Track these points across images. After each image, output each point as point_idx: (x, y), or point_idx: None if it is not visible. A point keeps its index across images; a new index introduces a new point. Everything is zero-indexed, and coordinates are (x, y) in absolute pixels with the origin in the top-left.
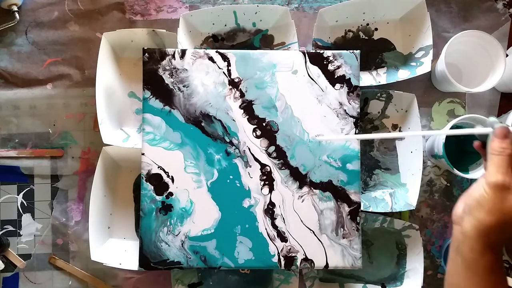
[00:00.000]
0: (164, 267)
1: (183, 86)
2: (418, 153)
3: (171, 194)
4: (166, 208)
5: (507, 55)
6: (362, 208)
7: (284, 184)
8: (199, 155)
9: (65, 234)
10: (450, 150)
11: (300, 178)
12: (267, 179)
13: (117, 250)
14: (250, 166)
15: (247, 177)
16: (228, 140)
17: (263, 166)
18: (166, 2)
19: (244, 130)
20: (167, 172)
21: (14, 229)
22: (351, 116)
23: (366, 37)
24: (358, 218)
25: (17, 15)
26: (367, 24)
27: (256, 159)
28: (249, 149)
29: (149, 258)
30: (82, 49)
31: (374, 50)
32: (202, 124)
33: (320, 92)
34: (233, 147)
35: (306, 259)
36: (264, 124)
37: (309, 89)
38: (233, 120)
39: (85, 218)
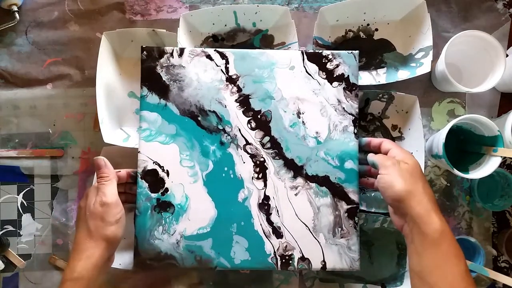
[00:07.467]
0: (159, 262)
1: (179, 81)
2: (419, 154)
3: (166, 190)
4: (161, 206)
5: (507, 55)
6: (365, 208)
7: (277, 175)
8: (193, 146)
9: (65, 234)
10: (450, 150)
11: (295, 168)
12: (260, 165)
13: (117, 250)
14: (242, 149)
15: (241, 164)
16: (221, 128)
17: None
18: (166, 2)
19: (237, 117)
20: (162, 166)
21: (14, 229)
22: (349, 114)
23: (367, 37)
24: (356, 218)
25: (17, 15)
26: (368, 24)
27: (248, 142)
28: (239, 130)
29: (144, 257)
30: (82, 49)
31: (374, 50)
32: (199, 118)
33: (317, 86)
34: (226, 135)
35: (302, 258)
36: (259, 116)
37: (306, 84)
38: (229, 112)
39: None
